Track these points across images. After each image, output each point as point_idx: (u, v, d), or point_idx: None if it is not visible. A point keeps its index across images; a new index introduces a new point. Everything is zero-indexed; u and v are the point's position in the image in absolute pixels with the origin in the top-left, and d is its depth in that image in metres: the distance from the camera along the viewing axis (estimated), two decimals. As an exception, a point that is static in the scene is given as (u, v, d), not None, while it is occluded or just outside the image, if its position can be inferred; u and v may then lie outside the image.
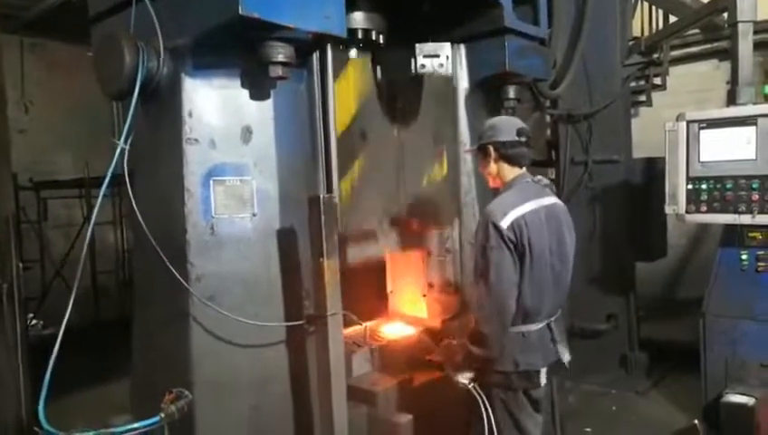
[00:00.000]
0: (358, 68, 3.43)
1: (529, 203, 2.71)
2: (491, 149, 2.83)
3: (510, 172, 2.84)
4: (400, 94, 3.66)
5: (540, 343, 2.78)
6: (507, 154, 2.82)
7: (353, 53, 3.41)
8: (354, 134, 3.39)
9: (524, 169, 2.88)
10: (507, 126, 2.87)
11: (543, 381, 2.79)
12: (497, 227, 2.60)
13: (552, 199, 2.86)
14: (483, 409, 2.71)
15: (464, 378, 2.77)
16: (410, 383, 3.21)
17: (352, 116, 3.39)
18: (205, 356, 2.61)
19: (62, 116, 8.52)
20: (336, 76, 2.98)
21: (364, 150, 3.43)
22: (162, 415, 2.38)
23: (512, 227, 2.61)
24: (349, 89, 3.40)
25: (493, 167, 2.86)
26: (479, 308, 2.65)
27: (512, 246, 2.60)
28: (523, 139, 2.83)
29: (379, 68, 3.57)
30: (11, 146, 4.05)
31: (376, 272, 3.64)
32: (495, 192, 2.95)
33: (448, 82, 3.63)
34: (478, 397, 2.73)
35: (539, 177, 2.91)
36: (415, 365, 3.32)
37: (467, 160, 3.70)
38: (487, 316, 2.61)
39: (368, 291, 3.59)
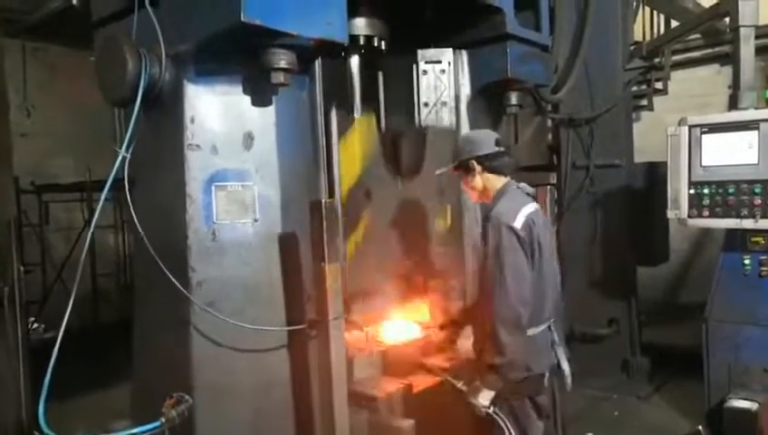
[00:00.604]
0: (363, 127, 3.47)
1: (527, 207, 2.76)
2: (474, 163, 2.84)
3: (497, 182, 2.87)
4: (404, 148, 3.71)
5: (543, 345, 2.79)
6: (492, 166, 2.85)
7: (357, 112, 3.42)
8: (359, 194, 3.43)
9: (509, 176, 2.92)
10: (485, 138, 2.90)
11: (545, 384, 2.79)
12: (511, 228, 2.63)
13: (535, 206, 2.89)
14: (504, 426, 2.68)
15: (484, 400, 2.70)
16: (412, 388, 3.20)
17: (358, 176, 3.44)
18: (205, 361, 2.61)
19: (64, 120, 8.54)
20: (342, 136, 3.07)
21: (369, 209, 3.48)
22: (163, 420, 2.39)
23: (524, 226, 2.66)
24: (354, 150, 3.46)
25: (478, 181, 2.88)
26: (498, 314, 2.60)
27: (525, 244, 2.64)
28: (502, 148, 2.87)
29: (383, 121, 3.59)
30: (13, 149, 4.07)
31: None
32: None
33: (452, 135, 3.58)
34: (501, 421, 2.68)
35: (523, 184, 2.95)
36: (416, 369, 3.33)
37: (472, 207, 3.66)
38: (506, 321, 2.59)
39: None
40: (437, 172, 3.11)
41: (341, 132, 3.28)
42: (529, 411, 2.78)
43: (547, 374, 2.80)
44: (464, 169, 2.89)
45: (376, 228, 3.47)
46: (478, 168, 2.85)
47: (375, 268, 3.49)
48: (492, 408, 2.69)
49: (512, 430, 2.67)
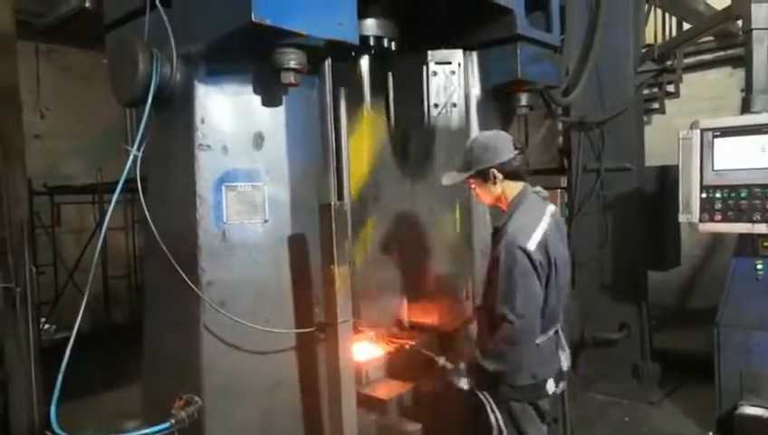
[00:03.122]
0: (372, 120, 3.45)
1: (544, 218, 2.70)
2: (496, 171, 2.72)
3: (515, 188, 2.78)
4: (414, 144, 3.67)
5: (549, 351, 2.78)
6: (512, 170, 2.74)
7: (368, 102, 3.40)
8: (368, 193, 3.43)
9: (525, 181, 2.84)
10: (503, 143, 2.76)
11: (552, 389, 2.78)
12: (525, 251, 2.54)
13: (553, 208, 2.85)
14: (490, 410, 2.70)
15: (464, 385, 2.78)
16: (420, 391, 3.19)
17: (366, 174, 3.44)
18: (215, 362, 2.61)
19: (77, 121, 8.62)
20: (351, 131, 3.02)
21: (377, 211, 3.47)
22: (172, 421, 2.39)
23: (539, 247, 2.58)
24: (363, 144, 3.44)
25: (498, 187, 2.76)
26: (503, 332, 2.59)
27: (539, 267, 2.57)
28: (518, 150, 2.76)
29: (393, 116, 3.57)
30: (26, 151, 4.10)
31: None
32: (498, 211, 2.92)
33: (461, 136, 3.54)
34: (484, 399, 2.72)
35: (538, 188, 2.88)
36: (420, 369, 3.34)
37: (481, 211, 3.62)
38: (512, 339, 2.58)
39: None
40: (447, 182, 2.94)
41: (350, 129, 3.26)
42: (531, 414, 2.76)
43: (551, 380, 2.78)
44: (483, 177, 2.77)
45: (385, 229, 3.46)
46: (500, 175, 2.72)
47: (383, 269, 3.47)
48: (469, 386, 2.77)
49: (495, 409, 2.70)
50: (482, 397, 2.74)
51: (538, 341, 2.69)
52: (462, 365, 2.80)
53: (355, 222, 3.31)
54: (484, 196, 2.87)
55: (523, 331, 2.57)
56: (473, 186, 2.87)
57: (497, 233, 2.77)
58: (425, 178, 3.64)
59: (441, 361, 2.93)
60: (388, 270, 3.63)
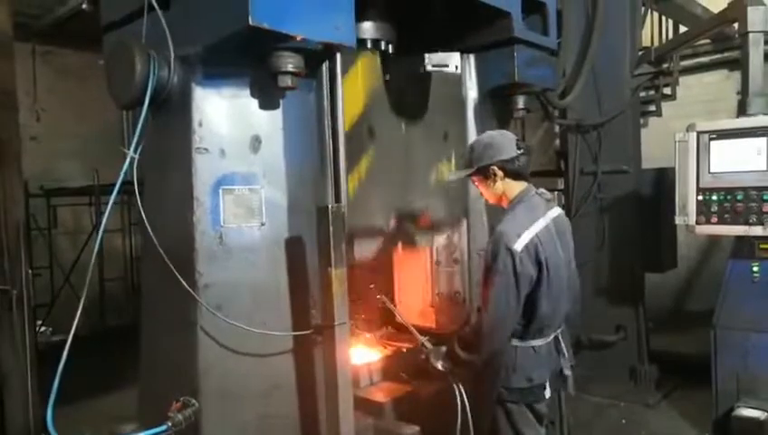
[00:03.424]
0: (367, 64, 3.30)
1: (541, 220, 2.69)
2: (497, 169, 2.73)
3: (517, 187, 2.77)
4: (409, 90, 3.58)
5: (548, 356, 2.77)
6: (514, 170, 2.73)
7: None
8: (362, 131, 3.25)
9: (528, 181, 2.83)
10: (506, 141, 2.76)
11: (548, 393, 2.78)
12: (510, 251, 2.54)
13: (557, 211, 2.84)
14: (458, 398, 2.78)
15: (441, 366, 2.84)
16: (417, 394, 3.19)
17: (360, 112, 3.24)
18: (212, 365, 2.61)
19: (74, 123, 8.60)
20: (345, 72, 2.91)
21: (372, 147, 3.29)
22: (169, 424, 2.39)
23: (526, 248, 2.57)
24: (357, 86, 3.28)
25: (499, 186, 2.77)
26: (476, 324, 2.67)
27: (522, 269, 2.56)
28: (522, 150, 2.75)
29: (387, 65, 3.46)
30: (22, 153, 4.09)
31: (381, 272, 3.66)
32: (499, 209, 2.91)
33: (457, 82, 3.60)
34: (456, 387, 2.79)
35: (542, 190, 2.87)
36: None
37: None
38: (482, 332, 2.64)
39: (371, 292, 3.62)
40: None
41: (346, 68, 3.04)
42: (529, 416, 2.77)
43: (547, 384, 2.79)
44: (483, 174, 2.78)
45: (379, 167, 3.30)
46: (500, 173, 2.73)
47: (377, 207, 3.36)
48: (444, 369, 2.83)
49: (464, 395, 2.77)
50: (456, 388, 2.79)
51: (534, 343, 2.70)
52: (443, 348, 2.85)
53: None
54: (487, 194, 2.88)
55: (493, 326, 2.60)
56: (476, 183, 2.89)
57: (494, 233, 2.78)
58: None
59: (424, 340, 3.02)
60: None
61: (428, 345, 2.97)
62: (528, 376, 2.69)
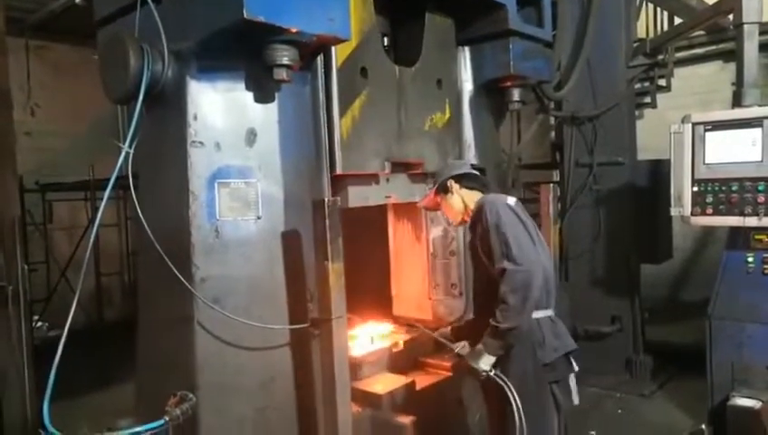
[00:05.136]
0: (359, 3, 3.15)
1: (510, 198, 2.90)
2: (451, 182, 2.99)
3: (475, 195, 2.98)
4: (402, 33, 3.58)
5: (561, 327, 2.83)
6: (468, 184, 3.00)
7: None
8: (354, 70, 3.12)
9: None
10: (460, 163, 3.20)
11: (576, 367, 2.80)
12: (508, 205, 2.75)
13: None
14: (510, 394, 2.66)
15: (485, 365, 2.70)
16: (414, 386, 3.21)
17: (352, 49, 3.08)
18: (209, 358, 2.61)
19: (68, 118, 8.57)
20: None
21: (365, 88, 3.18)
22: (167, 418, 2.38)
23: (518, 205, 2.81)
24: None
25: (457, 199, 2.99)
26: (508, 282, 2.59)
27: (525, 217, 2.76)
28: (476, 171, 3.05)
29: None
30: (17, 148, 4.07)
31: (373, 220, 3.72)
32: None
33: (450, 26, 3.62)
34: (503, 383, 2.68)
35: (503, 195, 3.01)
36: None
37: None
38: (514, 286, 2.58)
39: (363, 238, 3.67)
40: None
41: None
42: (551, 404, 2.77)
43: (572, 358, 2.79)
44: (444, 191, 3.02)
45: (372, 108, 3.20)
46: (455, 186, 2.99)
47: (370, 149, 3.23)
48: (492, 371, 2.70)
49: (515, 394, 2.65)
50: (498, 380, 2.69)
51: (549, 314, 2.78)
52: (479, 346, 2.74)
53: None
54: (451, 214, 3.09)
55: (523, 276, 2.58)
56: (442, 207, 3.11)
57: (473, 224, 2.86)
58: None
59: (458, 347, 2.98)
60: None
61: (464, 351, 2.92)
62: (554, 347, 2.72)
